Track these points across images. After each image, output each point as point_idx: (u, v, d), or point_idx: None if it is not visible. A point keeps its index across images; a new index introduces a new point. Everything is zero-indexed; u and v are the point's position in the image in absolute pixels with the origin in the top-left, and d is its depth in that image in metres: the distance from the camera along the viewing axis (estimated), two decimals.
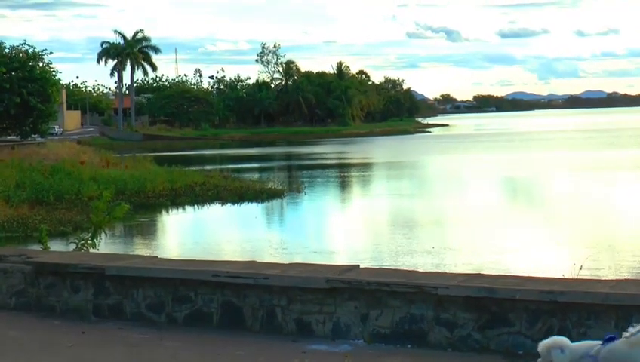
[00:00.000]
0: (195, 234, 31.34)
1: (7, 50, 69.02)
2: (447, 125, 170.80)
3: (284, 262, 10.00)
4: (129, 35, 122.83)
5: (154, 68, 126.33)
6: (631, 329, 6.03)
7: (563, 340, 6.13)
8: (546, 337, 7.58)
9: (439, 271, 9.31)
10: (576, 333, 7.45)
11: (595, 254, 21.68)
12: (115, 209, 14.56)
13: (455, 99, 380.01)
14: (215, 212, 37.78)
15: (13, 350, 8.59)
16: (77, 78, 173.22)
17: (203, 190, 41.83)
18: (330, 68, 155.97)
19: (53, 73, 69.52)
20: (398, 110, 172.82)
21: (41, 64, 68.43)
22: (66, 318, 9.91)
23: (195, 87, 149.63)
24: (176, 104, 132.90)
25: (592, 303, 7.25)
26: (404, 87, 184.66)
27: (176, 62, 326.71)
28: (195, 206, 38.92)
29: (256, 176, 54.98)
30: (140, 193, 39.66)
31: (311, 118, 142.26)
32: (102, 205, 14.18)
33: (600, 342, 6.06)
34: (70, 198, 36.35)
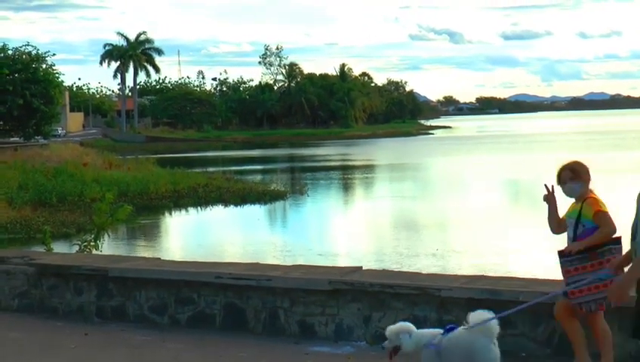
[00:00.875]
0: (198, 235, 31.33)
1: (10, 52, 69.13)
2: (449, 127, 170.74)
3: (287, 264, 10.00)
4: (132, 37, 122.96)
5: (157, 70, 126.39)
6: (471, 319, 6.40)
7: (410, 326, 6.48)
8: (548, 340, 7.57)
9: (442, 273, 9.29)
10: None
11: None
12: (118, 211, 14.58)
13: (458, 101, 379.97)
14: (218, 214, 37.78)
15: (15, 351, 8.59)
16: (79, 79, 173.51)
17: (206, 192, 41.82)
18: (332, 70, 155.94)
19: (56, 75, 69.61)
20: (400, 112, 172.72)
21: (44, 66, 68.50)
22: (69, 320, 9.91)
23: (198, 88, 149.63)
24: (178, 106, 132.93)
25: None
26: (407, 88, 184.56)
27: (179, 64, 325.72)
28: (198, 208, 38.92)
29: (258, 178, 54.96)
30: (142, 195, 39.65)
31: (313, 120, 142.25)
32: (104, 207, 14.20)
33: (441, 331, 6.43)
34: (73, 200, 36.35)
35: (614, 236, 6.51)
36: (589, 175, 6.90)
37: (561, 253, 6.71)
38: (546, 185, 7.09)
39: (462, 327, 6.47)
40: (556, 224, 7.04)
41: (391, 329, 6.51)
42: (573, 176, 6.86)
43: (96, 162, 54.23)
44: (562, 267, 6.73)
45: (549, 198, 7.06)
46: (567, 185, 6.87)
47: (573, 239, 6.74)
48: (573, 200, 6.99)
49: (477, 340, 6.34)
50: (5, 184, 38.11)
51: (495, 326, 6.39)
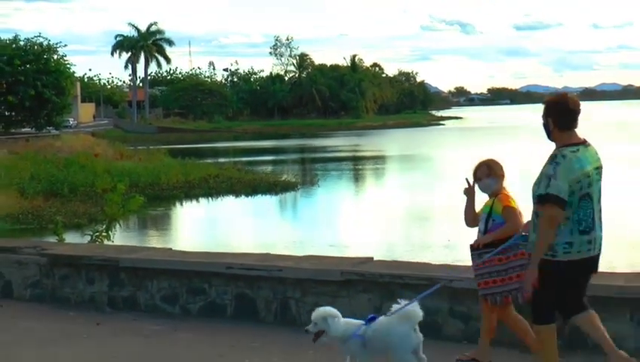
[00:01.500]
0: (209, 226, 31.40)
1: (22, 43, 69.26)
2: (460, 118, 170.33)
3: (298, 255, 10.01)
4: (143, 28, 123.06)
5: (168, 60, 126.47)
6: (394, 307, 6.54)
7: (336, 312, 6.59)
8: (559, 332, 7.57)
9: (454, 263, 9.29)
10: None
11: (610, 247, 21.59)
12: (129, 201, 14.61)
13: (469, 92, 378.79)
14: (229, 204, 37.85)
15: (28, 341, 8.64)
16: (90, 70, 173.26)
17: (217, 182, 41.88)
18: (343, 60, 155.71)
19: (68, 66, 69.65)
20: (411, 103, 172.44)
21: (55, 57, 68.58)
22: (81, 310, 9.95)
23: (209, 79, 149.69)
24: (189, 97, 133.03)
25: (606, 296, 7.22)
26: (418, 79, 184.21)
27: (189, 54, 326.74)
28: (209, 198, 39.00)
29: (269, 168, 54.99)
30: (153, 185, 39.75)
31: (324, 111, 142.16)
32: (116, 197, 14.22)
33: (363, 322, 6.55)
34: (84, 191, 36.46)
35: (523, 233, 6.59)
36: (504, 172, 7.14)
37: (471, 247, 6.94)
38: (466, 179, 7.27)
39: (383, 316, 6.59)
40: (471, 218, 7.24)
41: (317, 312, 6.60)
42: (489, 172, 7.09)
43: (108, 153, 54.32)
44: (472, 260, 6.93)
45: (469, 192, 7.26)
46: (483, 182, 7.11)
47: (483, 233, 6.94)
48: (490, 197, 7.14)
49: (397, 327, 6.44)
50: (17, 175, 38.24)
51: (416, 312, 6.49)
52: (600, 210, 6.00)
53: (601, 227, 6.00)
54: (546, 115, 6.03)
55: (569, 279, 5.95)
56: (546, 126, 6.06)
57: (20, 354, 8.18)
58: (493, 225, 6.90)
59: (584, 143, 5.97)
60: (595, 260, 6.05)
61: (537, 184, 5.97)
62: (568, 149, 5.88)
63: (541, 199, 5.87)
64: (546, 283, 5.93)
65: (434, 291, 7.07)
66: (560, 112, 5.96)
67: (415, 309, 6.52)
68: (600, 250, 6.04)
